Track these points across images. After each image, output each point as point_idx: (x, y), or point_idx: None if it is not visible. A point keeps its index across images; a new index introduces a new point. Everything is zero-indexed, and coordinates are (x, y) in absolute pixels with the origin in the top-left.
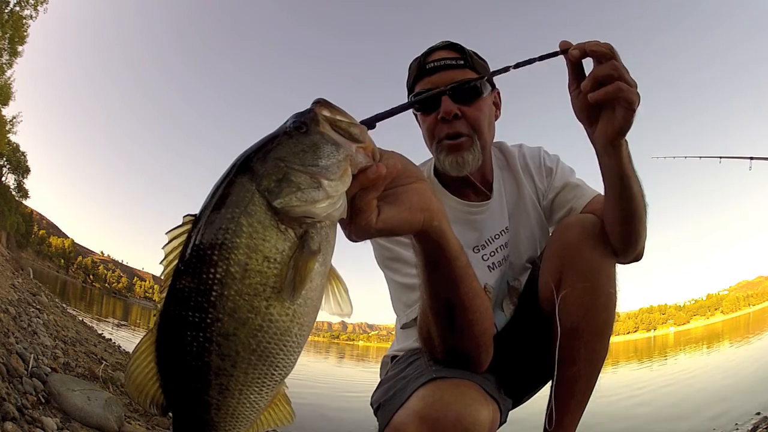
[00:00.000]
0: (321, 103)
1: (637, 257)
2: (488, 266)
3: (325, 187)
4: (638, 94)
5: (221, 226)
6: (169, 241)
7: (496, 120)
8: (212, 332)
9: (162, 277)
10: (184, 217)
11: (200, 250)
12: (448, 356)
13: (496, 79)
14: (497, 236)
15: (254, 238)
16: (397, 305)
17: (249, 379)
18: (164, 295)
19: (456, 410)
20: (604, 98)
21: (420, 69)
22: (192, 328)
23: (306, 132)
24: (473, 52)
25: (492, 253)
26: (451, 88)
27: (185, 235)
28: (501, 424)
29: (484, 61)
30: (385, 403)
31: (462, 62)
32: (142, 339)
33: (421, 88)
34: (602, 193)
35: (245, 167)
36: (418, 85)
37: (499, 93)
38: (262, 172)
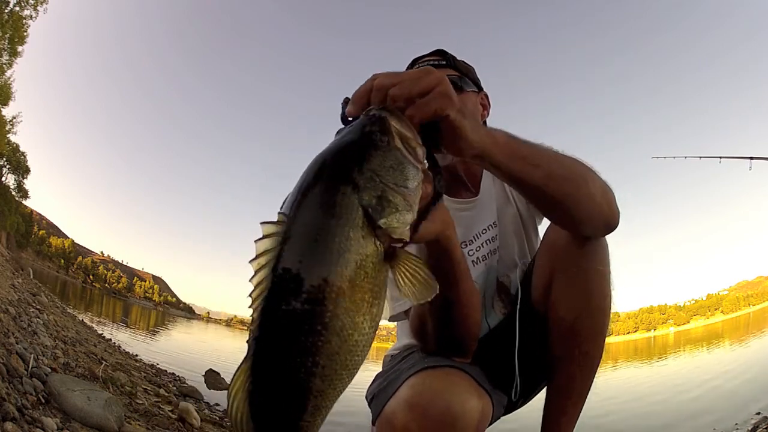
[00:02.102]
0: (392, 112)
1: (606, 228)
2: (473, 261)
3: (414, 210)
4: (443, 94)
5: (333, 240)
6: (263, 237)
7: (483, 119)
8: (321, 354)
9: (253, 282)
10: (279, 214)
11: (310, 266)
12: (439, 345)
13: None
14: (484, 231)
15: (360, 253)
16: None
17: (336, 393)
18: (257, 315)
19: (445, 398)
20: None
21: None
22: (301, 352)
23: (387, 145)
24: (463, 61)
25: (478, 248)
26: None
27: (280, 237)
28: (495, 419)
29: (470, 66)
30: (378, 393)
31: (444, 63)
32: (237, 371)
33: None
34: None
35: (345, 175)
36: None
37: (486, 96)
38: (362, 185)
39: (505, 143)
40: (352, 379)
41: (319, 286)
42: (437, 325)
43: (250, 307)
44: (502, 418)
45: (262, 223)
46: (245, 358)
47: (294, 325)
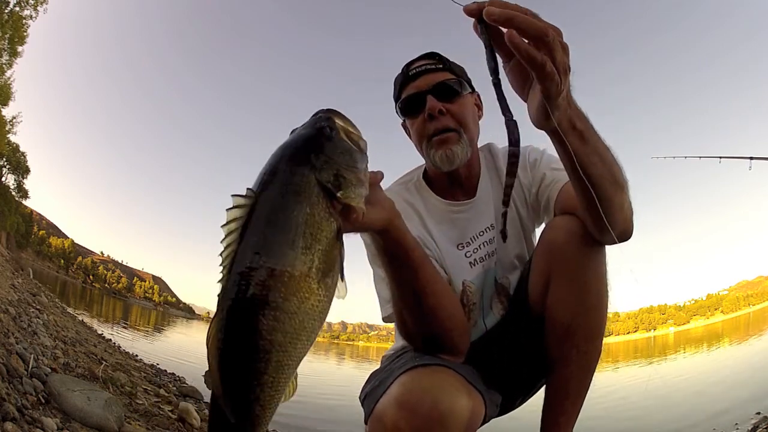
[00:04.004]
0: (335, 112)
1: (622, 237)
2: (470, 262)
3: (366, 186)
4: (556, 65)
5: (292, 212)
6: (234, 207)
7: (479, 119)
8: (282, 311)
9: (223, 244)
10: (247, 189)
11: (271, 234)
12: (423, 342)
13: (477, 83)
14: (481, 233)
15: (315, 225)
16: (380, 300)
17: (295, 354)
18: (227, 273)
19: (433, 395)
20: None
21: (404, 77)
22: (264, 308)
23: (336, 137)
24: (454, 62)
25: (475, 250)
26: (433, 87)
27: (248, 207)
28: (489, 418)
29: (461, 67)
30: (370, 392)
31: (441, 66)
32: (211, 325)
33: (407, 93)
34: None
35: (304, 159)
36: (404, 92)
37: (479, 95)
38: (319, 166)
39: (580, 133)
40: (310, 344)
41: (280, 250)
42: (413, 320)
43: (220, 265)
44: (501, 417)
45: (233, 195)
46: (216, 312)
47: (258, 283)
